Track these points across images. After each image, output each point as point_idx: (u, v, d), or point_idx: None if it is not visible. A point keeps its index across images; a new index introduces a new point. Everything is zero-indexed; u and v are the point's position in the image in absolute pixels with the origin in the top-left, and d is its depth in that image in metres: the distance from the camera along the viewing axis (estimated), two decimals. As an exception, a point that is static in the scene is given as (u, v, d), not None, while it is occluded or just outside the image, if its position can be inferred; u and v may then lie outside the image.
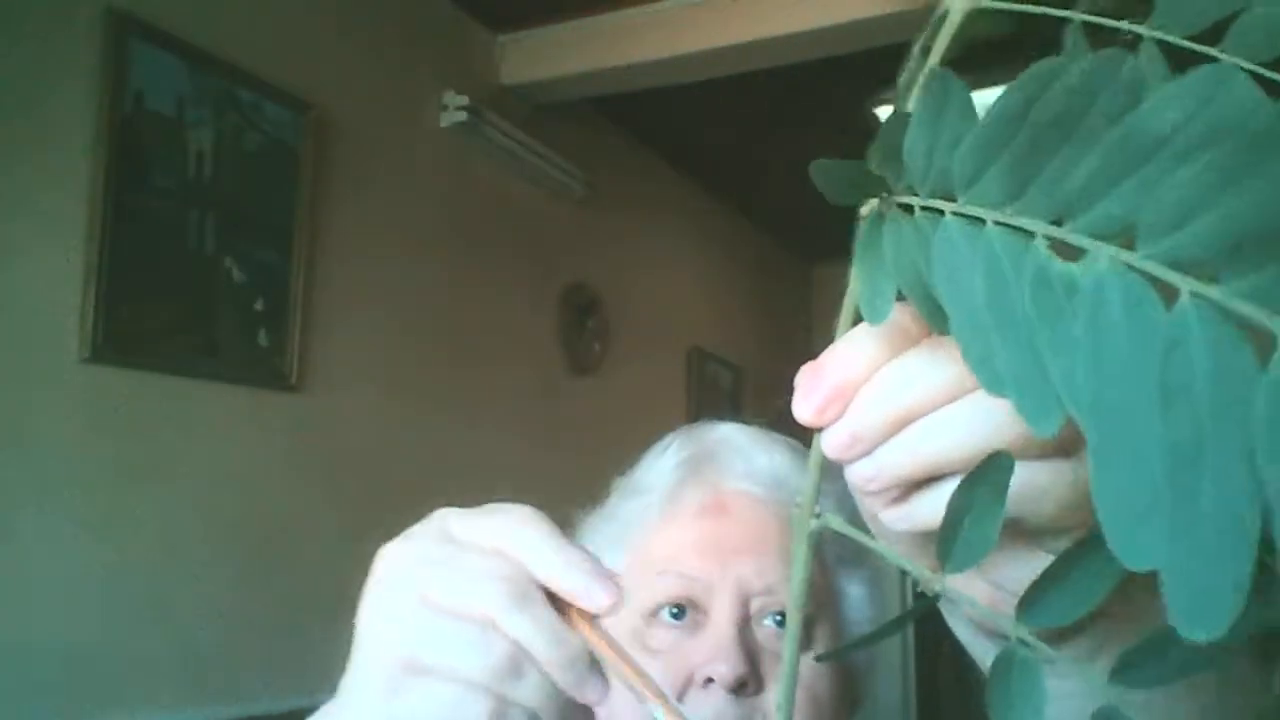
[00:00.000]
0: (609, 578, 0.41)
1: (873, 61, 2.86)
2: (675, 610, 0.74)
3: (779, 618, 0.74)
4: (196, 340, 2.08)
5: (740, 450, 0.81)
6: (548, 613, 0.40)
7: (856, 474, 0.33)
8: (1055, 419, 0.24)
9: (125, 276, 1.91)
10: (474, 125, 2.80)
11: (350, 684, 0.43)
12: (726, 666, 0.70)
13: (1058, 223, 0.25)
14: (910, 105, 0.28)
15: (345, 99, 2.48)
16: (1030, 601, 0.29)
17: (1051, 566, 0.29)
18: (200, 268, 2.09)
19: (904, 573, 0.39)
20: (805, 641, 0.74)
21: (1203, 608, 0.21)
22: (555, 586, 0.41)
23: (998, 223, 0.26)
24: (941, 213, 0.27)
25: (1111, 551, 0.24)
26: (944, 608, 0.40)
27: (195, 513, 2.05)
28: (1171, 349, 0.21)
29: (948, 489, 0.31)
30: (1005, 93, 0.25)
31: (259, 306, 2.21)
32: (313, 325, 2.35)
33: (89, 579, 1.85)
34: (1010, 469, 0.29)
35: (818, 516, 0.33)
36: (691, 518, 0.78)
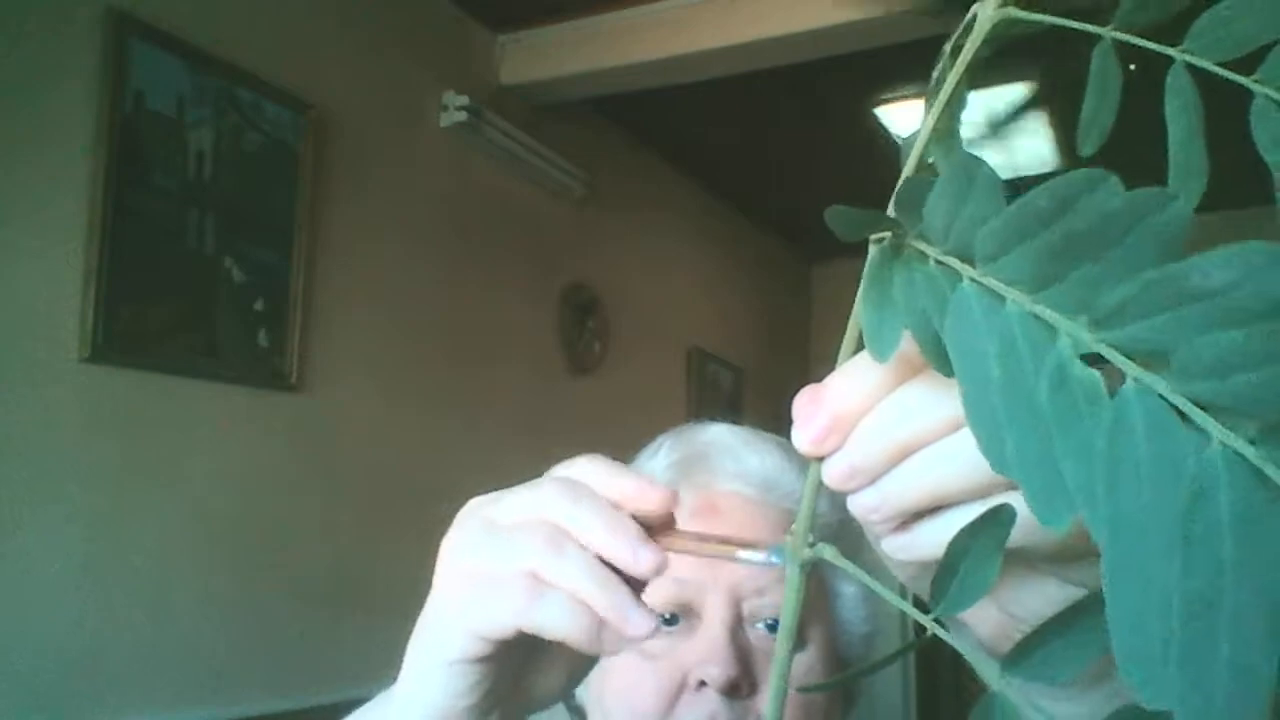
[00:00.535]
0: (649, 542, 0.42)
1: (873, 61, 2.86)
2: (668, 616, 0.74)
3: (772, 622, 0.74)
4: (196, 340, 2.08)
5: (730, 451, 0.81)
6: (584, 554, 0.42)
7: (858, 504, 0.33)
8: (1066, 518, 0.23)
9: (125, 276, 1.91)
10: (474, 125, 2.80)
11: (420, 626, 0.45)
12: (718, 669, 0.70)
13: (1083, 325, 0.24)
14: (934, 154, 0.28)
15: (345, 99, 2.48)
16: (1020, 655, 0.29)
17: (1048, 623, 0.28)
18: (200, 268, 2.09)
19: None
20: (798, 643, 0.74)
21: None
22: (603, 555, 0.42)
23: (1018, 305, 0.25)
24: (959, 274, 0.27)
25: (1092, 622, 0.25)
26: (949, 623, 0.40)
27: (195, 512, 2.06)
28: (1198, 496, 0.21)
29: (950, 519, 0.31)
30: (1038, 190, 0.24)
31: (259, 306, 2.21)
32: (313, 325, 2.35)
33: (89, 579, 1.85)
34: (1011, 522, 0.29)
35: (812, 546, 0.33)
36: (684, 520, 0.77)
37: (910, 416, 0.32)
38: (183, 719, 1.98)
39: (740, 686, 0.71)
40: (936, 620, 0.30)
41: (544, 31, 2.99)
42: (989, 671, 0.29)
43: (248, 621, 2.12)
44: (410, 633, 0.45)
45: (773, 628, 0.73)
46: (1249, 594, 0.20)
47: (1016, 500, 0.29)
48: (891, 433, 0.32)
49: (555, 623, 0.40)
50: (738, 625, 0.73)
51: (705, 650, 0.72)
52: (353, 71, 2.53)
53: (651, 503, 0.42)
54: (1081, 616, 0.28)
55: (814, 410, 0.33)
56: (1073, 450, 0.23)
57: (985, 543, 0.29)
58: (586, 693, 0.80)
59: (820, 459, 0.33)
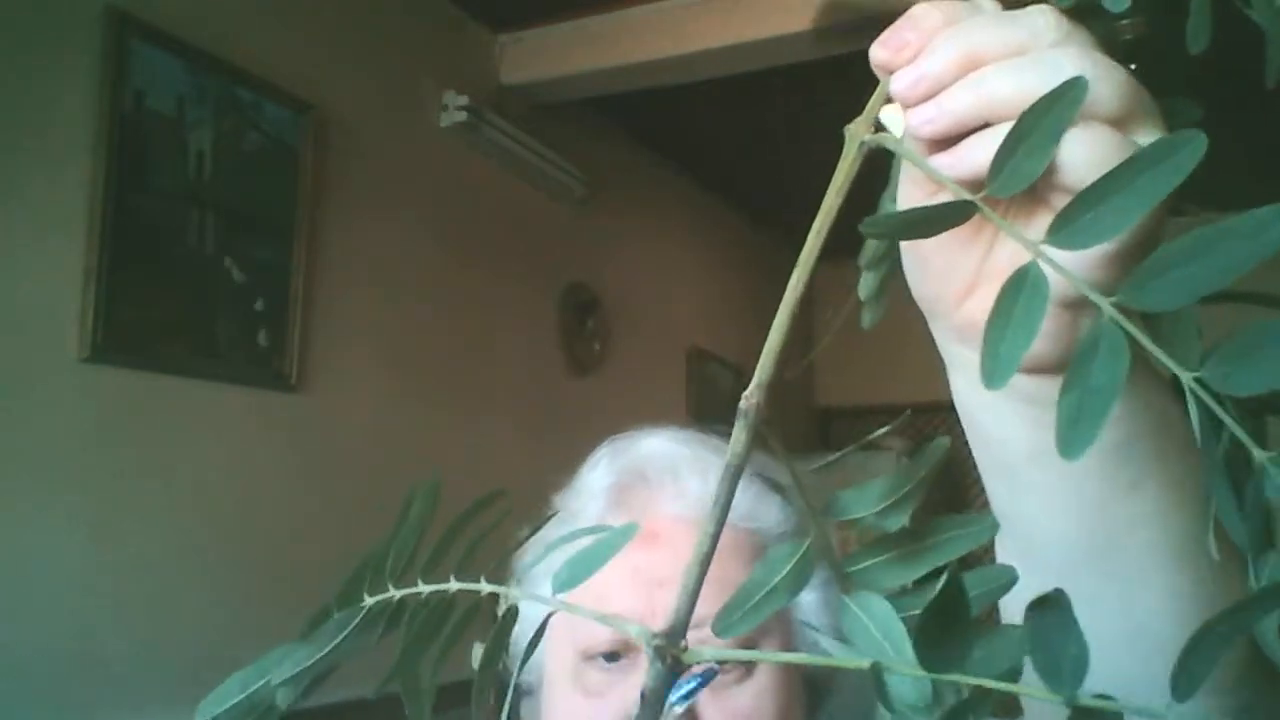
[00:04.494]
0: None
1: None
2: (609, 653, 0.73)
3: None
4: (196, 340, 2.08)
5: (671, 470, 0.78)
6: None
7: (918, 115, 0.34)
8: None
9: (125, 276, 1.91)
10: (474, 125, 2.80)
11: None
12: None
13: None
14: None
15: (345, 99, 2.48)
16: (1064, 221, 0.28)
17: (1089, 188, 0.28)
18: (200, 268, 2.09)
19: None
20: (744, 671, 0.72)
21: None
22: None
23: None
24: None
25: (1150, 178, 0.26)
26: (954, 374, 0.40)
27: (195, 513, 2.05)
28: None
29: (999, 133, 0.31)
30: None
31: (259, 306, 2.21)
32: (313, 325, 2.35)
33: (89, 579, 1.85)
34: (1083, 96, 0.29)
35: (875, 132, 0.33)
36: (620, 549, 0.75)
37: (981, 34, 0.33)
38: (182, 719, 1.98)
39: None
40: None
41: (544, 31, 2.99)
42: (1026, 240, 0.28)
43: (248, 621, 2.12)
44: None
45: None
46: None
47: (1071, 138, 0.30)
48: (960, 44, 0.33)
49: None
50: (680, 660, 0.71)
51: None
52: (353, 71, 2.53)
53: None
54: (1136, 173, 0.27)
55: (894, 30, 0.35)
56: None
57: (1052, 120, 0.29)
58: None
59: (891, 74, 0.35)
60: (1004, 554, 0.43)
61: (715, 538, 0.29)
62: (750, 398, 0.30)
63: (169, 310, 2.02)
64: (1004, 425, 0.39)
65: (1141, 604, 0.40)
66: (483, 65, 3.00)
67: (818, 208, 0.37)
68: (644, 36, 2.88)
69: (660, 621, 0.72)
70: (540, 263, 3.25)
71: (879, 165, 0.35)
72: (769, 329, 0.31)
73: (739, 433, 0.29)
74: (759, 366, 0.30)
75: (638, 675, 0.72)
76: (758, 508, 0.77)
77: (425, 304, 2.73)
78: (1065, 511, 0.40)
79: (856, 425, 5.28)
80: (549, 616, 0.53)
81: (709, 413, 4.01)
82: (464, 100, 2.77)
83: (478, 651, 0.46)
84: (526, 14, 2.96)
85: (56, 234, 1.83)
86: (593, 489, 0.80)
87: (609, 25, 2.91)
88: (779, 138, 3.70)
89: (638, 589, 0.73)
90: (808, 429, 5.23)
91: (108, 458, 1.90)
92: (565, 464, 0.85)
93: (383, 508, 2.65)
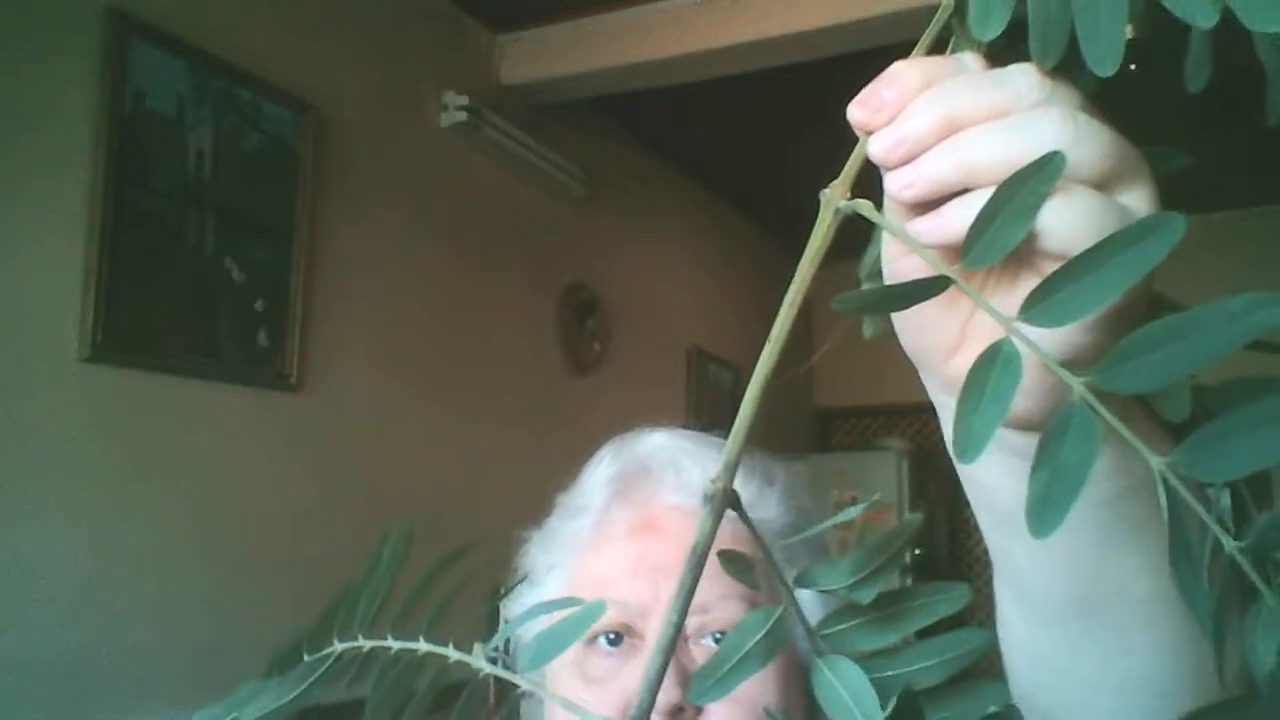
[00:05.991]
0: None
1: (874, 61, 2.86)
2: (611, 637, 0.73)
3: (719, 635, 0.71)
4: (196, 340, 2.08)
5: (672, 463, 0.79)
6: None
7: (896, 179, 0.33)
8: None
9: (125, 276, 1.91)
10: (474, 125, 2.80)
11: None
12: (661, 695, 0.68)
13: None
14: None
15: (345, 99, 2.48)
16: (1037, 299, 0.28)
17: (1065, 266, 0.28)
18: (200, 268, 2.09)
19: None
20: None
21: None
22: None
23: None
24: None
25: (1125, 258, 0.26)
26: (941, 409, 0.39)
27: (195, 512, 2.05)
28: None
29: (979, 199, 0.31)
30: None
31: (259, 306, 2.21)
32: (313, 325, 2.35)
33: (89, 578, 1.85)
34: (1061, 168, 0.29)
35: (850, 200, 0.32)
36: (623, 539, 0.76)
37: (961, 96, 0.32)
38: (182, 719, 1.98)
39: (684, 709, 0.68)
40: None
41: (544, 31, 2.99)
42: (1000, 315, 0.28)
43: (248, 621, 2.12)
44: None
45: (721, 640, 0.71)
46: None
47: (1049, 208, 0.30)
48: (941, 107, 0.32)
49: None
50: (682, 645, 0.71)
51: None
52: (353, 71, 2.53)
53: None
54: (1113, 252, 0.27)
55: (873, 88, 0.34)
56: None
57: (1028, 193, 0.29)
58: None
59: (869, 133, 0.34)
60: (1001, 595, 0.43)
61: (678, 627, 0.29)
62: (717, 481, 0.29)
63: (169, 310, 2.02)
64: (996, 476, 0.39)
65: (1136, 651, 0.40)
66: (483, 65, 3.00)
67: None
68: (644, 36, 2.88)
69: (663, 609, 0.71)
70: (540, 263, 3.25)
71: (875, 170, 0.34)
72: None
73: (705, 517, 0.29)
74: (729, 443, 0.29)
75: (637, 662, 0.72)
76: (757, 501, 0.78)
77: (425, 304, 2.73)
78: (1059, 563, 0.39)
79: (856, 426, 5.28)
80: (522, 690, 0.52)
81: (709, 413, 4.01)
82: (464, 100, 2.78)
83: (479, 651, 0.46)
84: (526, 14, 2.96)
85: (56, 234, 1.83)
86: (596, 482, 0.80)
87: (609, 25, 2.91)
88: (779, 138, 3.70)
89: (641, 577, 0.74)
90: (807, 430, 5.24)
91: (108, 457, 1.90)
92: (565, 464, 0.86)
93: (382, 507, 2.65)
